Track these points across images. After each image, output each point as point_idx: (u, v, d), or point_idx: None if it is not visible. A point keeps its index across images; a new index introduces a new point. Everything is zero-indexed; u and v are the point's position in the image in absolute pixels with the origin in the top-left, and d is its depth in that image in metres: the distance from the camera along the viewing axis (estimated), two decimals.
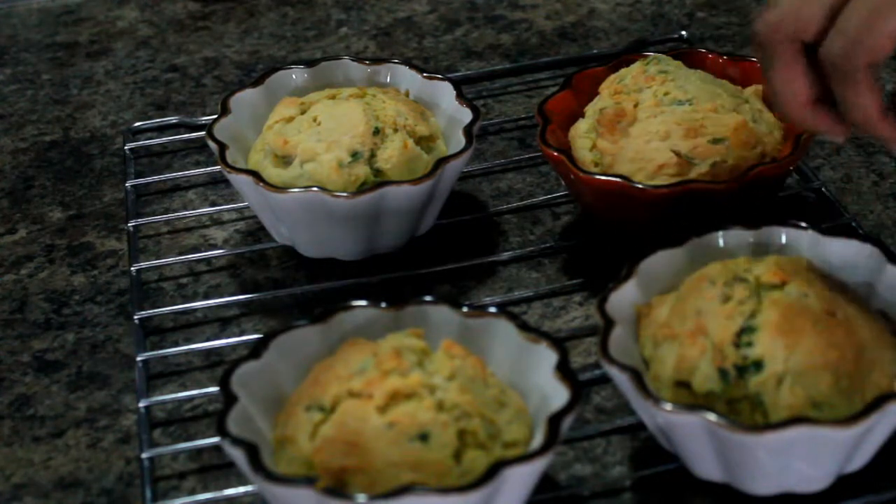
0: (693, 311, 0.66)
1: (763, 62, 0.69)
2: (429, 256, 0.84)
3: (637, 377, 0.64)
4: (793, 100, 0.68)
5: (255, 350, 0.67)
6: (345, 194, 0.77)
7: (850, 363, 0.63)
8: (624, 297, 0.69)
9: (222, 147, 0.82)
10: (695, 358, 0.65)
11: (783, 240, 0.72)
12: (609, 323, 0.67)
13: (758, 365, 0.64)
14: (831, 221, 0.83)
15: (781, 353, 0.63)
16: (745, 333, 0.65)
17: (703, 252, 0.72)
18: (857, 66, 0.64)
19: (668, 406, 0.62)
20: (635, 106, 0.82)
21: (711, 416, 0.61)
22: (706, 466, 0.65)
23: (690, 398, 0.64)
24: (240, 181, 0.80)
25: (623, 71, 0.85)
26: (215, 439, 0.71)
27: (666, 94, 0.81)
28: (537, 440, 0.62)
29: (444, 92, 0.87)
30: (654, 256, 0.71)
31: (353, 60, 0.90)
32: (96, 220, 0.91)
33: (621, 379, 0.64)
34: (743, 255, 0.71)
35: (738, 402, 0.64)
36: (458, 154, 0.81)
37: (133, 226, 0.89)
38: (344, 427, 0.62)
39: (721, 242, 0.72)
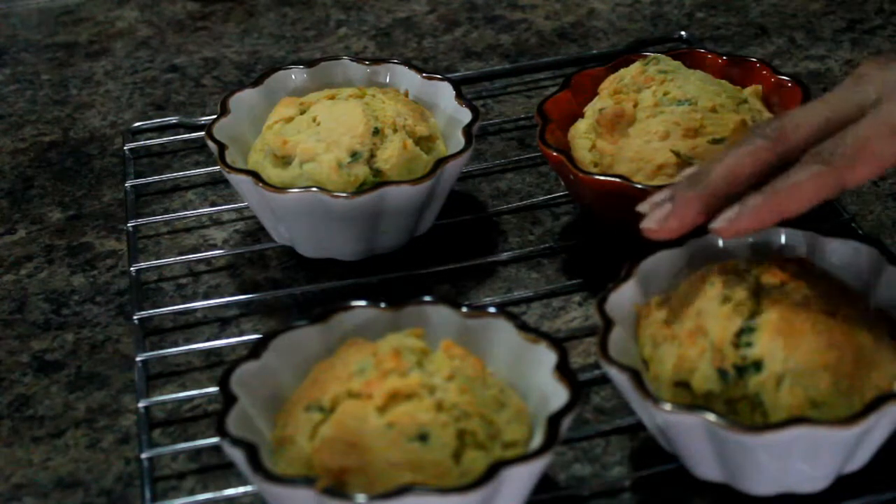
0: (693, 312, 0.66)
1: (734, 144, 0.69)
2: (428, 256, 0.84)
3: (636, 377, 0.64)
4: (728, 176, 0.67)
5: (255, 350, 0.67)
6: (344, 194, 0.77)
7: (849, 363, 0.63)
8: (623, 297, 0.69)
9: (222, 147, 0.82)
10: (694, 358, 0.65)
11: (783, 240, 0.72)
12: (608, 323, 0.67)
13: (757, 365, 0.64)
14: (831, 221, 0.83)
15: (781, 353, 0.63)
16: (744, 334, 0.65)
17: (703, 252, 0.72)
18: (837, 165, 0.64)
19: (668, 406, 0.62)
20: (635, 106, 0.82)
21: (711, 417, 0.61)
22: (706, 467, 0.65)
23: (690, 398, 0.64)
24: (239, 181, 0.80)
25: (622, 71, 0.85)
26: (215, 439, 0.71)
27: (665, 94, 0.81)
28: (537, 440, 0.62)
29: (444, 92, 0.87)
30: (654, 256, 0.71)
31: (352, 60, 0.90)
32: (96, 221, 0.91)
33: (620, 379, 0.64)
34: (742, 256, 0.71)
35: (738, 402, 0.64)
36: (457, 154, 0.81)
37: (133, 226, 0.89)
38: (343, 427, 0.62)
39: (721, 243, 0.72)
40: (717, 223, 0.65)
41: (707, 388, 0.64)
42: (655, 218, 0.67)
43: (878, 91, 0.66)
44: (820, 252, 0.71)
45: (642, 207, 0.68)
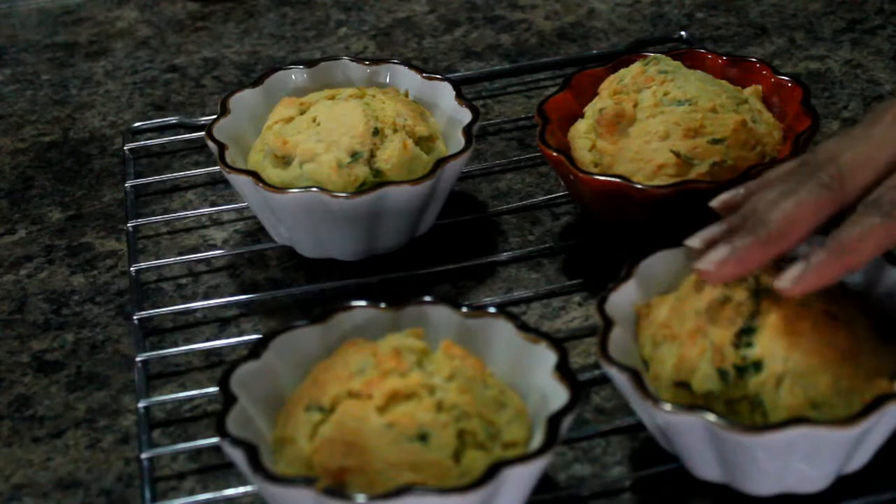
0: (693, 312, 0.66)
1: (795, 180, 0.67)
2: (428, 257, 0.84)
3: (636, 377, 0.64)
4: (790, 227, 0.66)
5: (255, 350, 0.67)
6: (344, 194, 0.77)
7: (849, 364, 0.63)
8: (623, 297, 0.69)
9: (222, 147, 0.82)
10: (694, 358, 0.65)
11: None
12: (608, 323, 0.67)
13: (757, 365, 0.64)
14: (831, 222, 0.83)
15: (781, 353, 0.63)
16: (744, 334, 0.65)
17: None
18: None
19: (668, 406, 0.62)
20: (635, 106, 0.82)
21: (711, 417, 0.61)
22: (706, 467, 0.65)
23: (690, 398, 0.64)
24: (239, 181, 0.80)
25: (622, 71, 0.85)
26: (215, 439, 0.71)
27: (665, 94, 0.81)
28: (537, 440, 0.62)
29: (444, 92, 0.87)
30: (654, 257, 0.71)
31: (352, 61, 0.90)
32: (96, 221, 0.91)
33: (621, 379, 0.64)
34: None
35: (738, 402, 0.64)
36: (457, 154, 0.81)
37: (132, 226, 0.89)
38: (343, 427, 0.62)
39: None
40: (784, 283, 0.64)
41: (707, 389, 0.64)
42: (713, 260, 0.65)
43: None
44: None
45: (693, 242, 0.67)
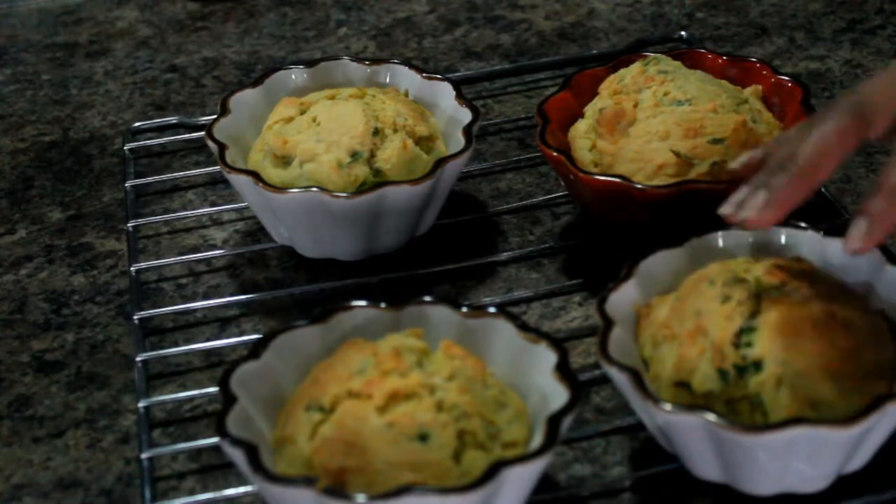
0: (693, 312, 0.66)
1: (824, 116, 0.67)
2: (428, 256, 0.84)
3: (636, 377, 0.64)
4: (827, 153, 0.65)
5: (255, 350, 0.67)
6: (344, 194, 0.77)
7: (849, 364, 0.63)
8: (623, 297, 0.69)
9: (222, 147, 0.82)
10: (694, 358, 0.65)
11: (783, 240, 0.72)
12: (608, 323, 0.67)
13: (757, 365, 0.64)
14: (831, 221, 0.83)
15: (781, 353, 0.63)
16: (744, 334, 0.65)
17: (703, 252, 0.72)
18: None
19: (668, 406, 0.62)
20: (635, 106, 0.82)
21: (711, 417, 0.61)
22: (706, 467, 0.65)
23: (690, 398, 0.64)
24: (239, 181, 0.80)
25: (623, 71, 0.85)
26: (215, 439, 0.71)
27: (665, 94, 0.81)
28: (537, 440, 0.62)
29: (444, 92, 0.87)
30: (654, 256, 0.71)
31: (352, 60, 0.90)
32: (96, 221, 0.91)
33: (621, 379, 0.64)
34: (742, 256, 0.71)
35: (738, 402, 0.64)
36: (457, 154, 0.81)
37: (132, 226, 0.89)
38: (343, 427, 0.62)
39: (721, 242, 0.72)
40: (854, 243, 0.64)
41: (707, 388, 0.64)
42: (754, 207, 0.65)
43: None
44: (820, 252, 0.71)
45: (726, 209, 0.66)
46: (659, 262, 0.71)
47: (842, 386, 0.63)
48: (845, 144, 0.65)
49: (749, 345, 0.64)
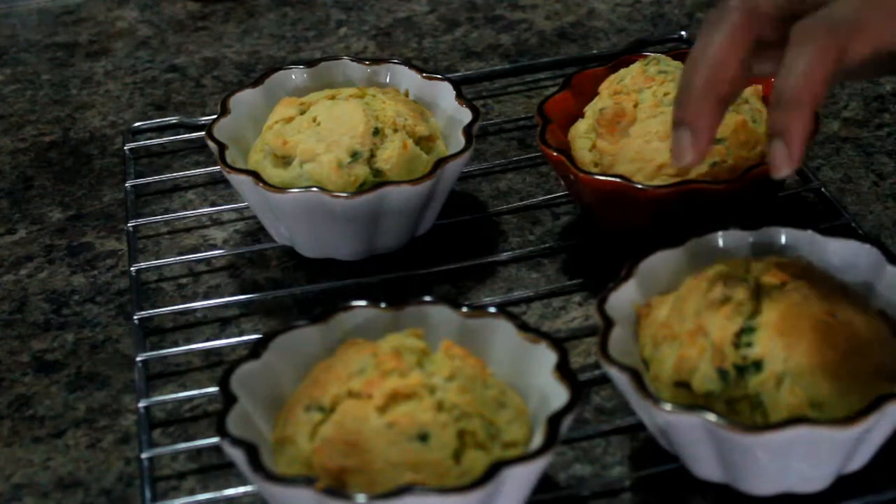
0: (693, 312, 0.66)
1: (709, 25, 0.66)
2: (429, 256, 0.84)
3: (636, 377, 0.64)
4: (714, 77, 0.64)
5: (255, 350, 0.67)
6: (344, 194, 0.77)
7: (849, 363, 0.63)
8: (624, 297, 0.69)
9: (222, 147, 0.82)
10: (694, 358, 0.65)
11: (783, 240, 0.72)
12: (609, 323, 0.67)
13: (757, 365, 0.64)
14: (831, 222, 0.83)
15: (781, 353, 0.63)
16: (744, 334, 0.65)
17: (703, 252, 0.72)
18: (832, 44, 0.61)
19: (668, 406, 0.62)
20: (635, 106, 0.82)
21: (711, 417, 0.61)
22: (706, 467, 0.65)
23: (690, 398, 0.64)
24: (239, 181, 0.80)
25: (623, 71, 0.85)
26: (215, 439, 0.71)
27: (666, 94, 0.81)
28: (537, 440, 0.62)
29: (444, 92, 0.87)
30: (654, 256, 0.71)
31: (352, 60, 0.90)
32: (96, 221, 0.91)
33: (621, 379, 0.64)
34: (743, 256, 0.71)
35: (738, 402, 0.64)
36: (457, 154, 0.81)
37: (133, 226, 0.89)
38: (343, 427, 0.62)
39: (721, 243, 0.72)
40: (780, 170, 0.62)
41: (707, 388, 0.64)
42: (677, 155, 0.65)
43: None
44: (820, 252, 0.71)
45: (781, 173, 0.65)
46: (659, 262, 0.71)
47: (842, 386, 0.63)
48: (737, 51, 0.64)
49: (749, 345, 0.64)
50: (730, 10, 0.65)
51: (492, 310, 0.69)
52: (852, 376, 0.63)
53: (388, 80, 0.90)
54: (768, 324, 0.64)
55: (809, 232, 0.72)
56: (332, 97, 0.84)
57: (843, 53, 0.62)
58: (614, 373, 0.64)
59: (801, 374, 0.63)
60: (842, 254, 0.71)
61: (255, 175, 0.79)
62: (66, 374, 0.78)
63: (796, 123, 0.62)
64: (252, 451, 0.61)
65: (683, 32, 1.06)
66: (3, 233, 0.91)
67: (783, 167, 0.62)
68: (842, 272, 0.70)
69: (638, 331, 0.69)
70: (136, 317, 0.81)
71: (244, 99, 0.87)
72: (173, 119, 1.01)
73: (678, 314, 0.67)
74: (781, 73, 0.62)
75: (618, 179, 0.78)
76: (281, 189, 0.78)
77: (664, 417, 0.63)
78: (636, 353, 0.68)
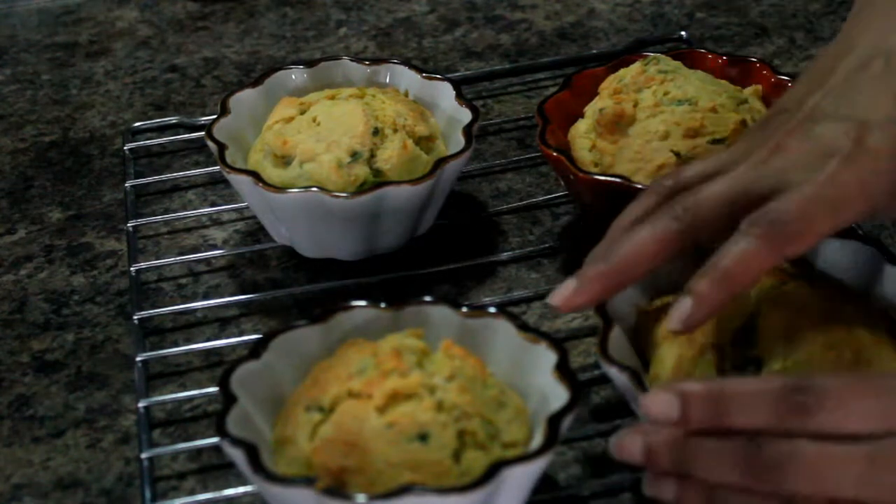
0: None
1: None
2: (428, 256, 0.84)
3: (636, 377, 0.64)
4: (634, 258, 0.66)
5: (255, 350, 0.67)
6: (344, 194, 0.77)
7: (849, 364, 0.63)
8: (624, 297, 0.69)
9: (221, 147, 0.82)
10: (694, 358, 0.65)
11: None
12: (608, 323, 0.67)
13: (757, 365, 0.64)
14: None
15: (780, 353, 0.63)
16: (744, 333, 0.65)
17: (704, 252, 0.71)
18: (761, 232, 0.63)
19: None
20: (635, 106, 0.82)
21: None
22: None
23: None
24: (239, 181, 0.80)
25: (623, 71, 0.85)
26: (215, 439, 0.71)
27: (665, 94, 0.81)
28: (537, 440, 0.62)
29: (444, 92, 0.87)
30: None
31: (352, 61, 0.90)
32: (96, 221, 0.91)
33: (620, 379, 0.64)
34: None
35: None
36: (457, 154, 0.81)
37: (132, 226, 0.89)
38: (343, 427, 0.62)
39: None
40: (674, 324, 0.63)
41: None
42: (560, 294, 0.66)
43: (793, 169, 0.65)
44: (820, 252, 0.71)
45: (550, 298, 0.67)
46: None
47: None
48: (663, 249, 0.66)
49: (749, 345, 0.64)
50: (667, 214, 0.66)
51: (492, 310, 0.69)
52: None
53: (387, 81, 0.90)
54: (767, 324, 0.64)
55: None
56: (332, 97, 0.84)
57: (781, 251, 0.63)
58: (614, 373, 0.64)
59: (801, 374, 0.63)
60: (842, 254, 0.71)
61: (255, 175, 0.79)
62: (65, 374, 0.78)
63: (712, 295, 0.62)
64: (252, 452, 0.61)
65: (683, 32, 1.06)
66: (3, 233, 0.91)
67: (679, 325, 0.63)
68: (842, 272, 0.70)
69: (638, 331, 0.69)
70: (135, 317, 0.81)
71: (244, 99, 0.87)
72: (173, 119, 1.01)
73: None
74: (720, 252, 0.63)
75: (618, 179, 0.78)
76: (281, 189, 0.78)
77: None
78: (636, 354, 0.68)
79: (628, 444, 0.60)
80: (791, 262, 0.68)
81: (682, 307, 0.63)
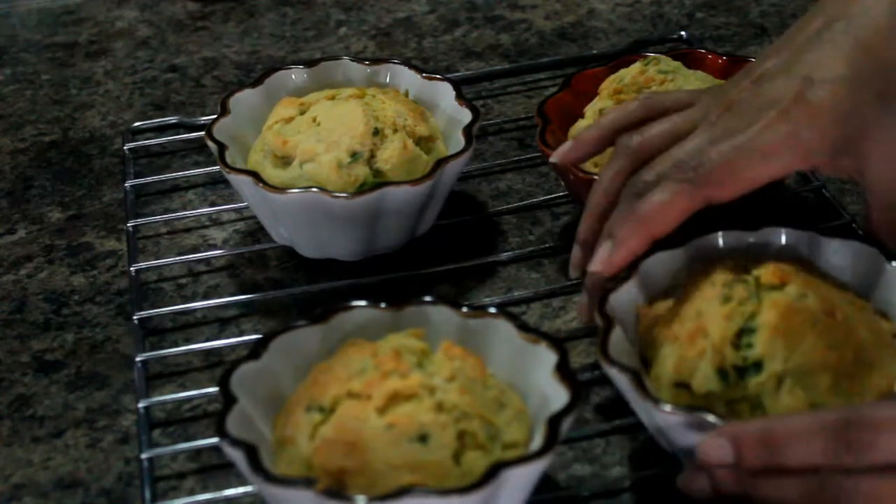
0: (693, 312, 0.66)
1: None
2: (428, 257, 0.84)
3: (636, 378, 0.64)
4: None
5: (255, 350, 0.67)
6: (344, 195, 0.77)
7: (849, 364, 0.63)
8: (624, 297, 0.69)
9: (221, 147, 0.82)
10: (694, 359, 0.65)
11: (783, 240, 0.72)
12: (609, 323, 0.67)
13: (757, 366, 0.64)
14: (831, 222, 0.83)
15: (781, 353, 0.63)
16: (744, 334, 0.65)
17: (703, 252, 0.72)
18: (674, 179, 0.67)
19: (668, 407, 0.62)
20: None
21: (710, 418, 0.61)
22: None
23: (690, 399, 0.64)
24: (239, 181, 0.80)
25: (622, 71, 0.85)
26: (215, 440, 0.70)
27: None
28: (537, 441, 0.62)
29: (444, 92, 0.87)
30: (654, 257, 0.71)
31: (352, 61, 0.90)
32: (96, 221, 0.91)
33: (621, 380, 0.64)
34: (743, 256, 0.71)
35: (738, 402, 0.64)
36: (457, 154, 0.81)
37: (132, 226, 0.89)
38: (343, 428, 0.62)
39: (721, 243, 0.72)
40: (595, 265, 0.67)
41: (707, 389, 0.64)
42: (600, 257, 0.69)
43: (739, 124, 0.68)
44: (820, 252, 0.71)
45: (574, 272, 0.73)
46: (659, 263, 0.71)
47: (842, 387, 0.63)
48: (619, 181, 0.70)
49: (749, 345, 0.64)
50: (618, 154, 0.72)
51: (492, 310, 0.69)
52: (852, 377, 0.63)
53: (387, 81, 0.90)
54: (768, 324, 0.64)
55: (810, 232, 0.72)
56: (332, 97, 0.84)
57: (707, 196, 0.67)
58: (614, 373, 0.64)
59: (802, 374, 0.63)
60: (842, 254, 0.71)
61: (255, 175, 0.79)
62: (65, 374, 0.78)
63: (633, 239, 0.67)
64: (252, 452, 0.61)
65: (683, 32, 1.06)
66: (3, 233, 0.91)
67: (598, 266, 0.68)
68: (842, 272, 0.70)
69: (638, 331, 0.69)
70: (135, 317, 0.81)
71: (244, 99, 0.87)
72: (173, 119, 1.01)
73: (678, 315, 0.67)
74: (643, 200, 0.67)
75: None
76: (281, 189, 0.78)
77: (664, 418, 0.63)
78: (636, 354, 0.68)
79: (695, 480, 0.62)
80: (791, 262, 0.68)
81: (604, 250, 0.67)
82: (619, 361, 0.64)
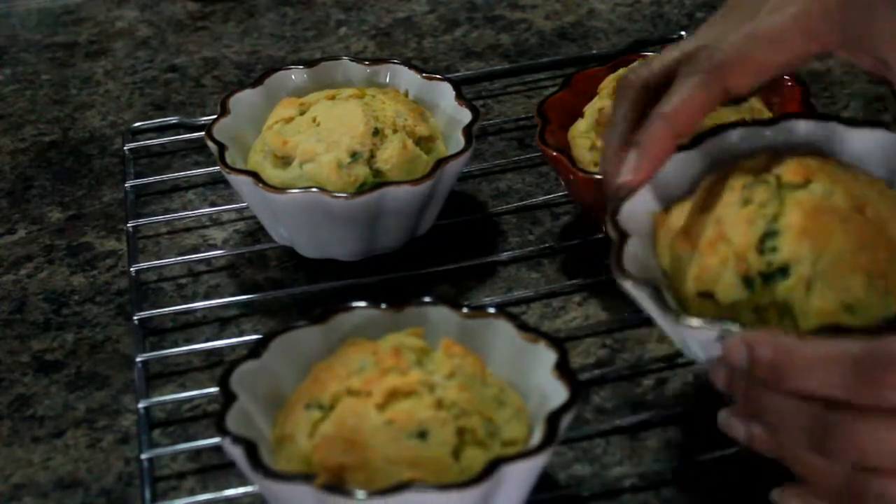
0: (712, 218, 0.63)
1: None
2: (428, 257, 0.84)
3: (655, 291, 0.60)
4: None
5: (255, 350, 0.67)
6: (344, 195, 0.77)
7: (882, 262, 0.60)
8: (638, 206, 0.65)
9: (221, 147, 0.82)
10: (716, 267, 0.61)
11: (802, 132, 0.68)
12: (622, 236, 0.63)
13: (784, 270, 0.60)
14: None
15: (808, 255, 0.60)
16: (768, 238, 0.61)
17: (719, 152, 0.68)
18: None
19: (693, 321, 0.59)
20: None
21: (734, 328, 0.58)
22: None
23: (715, 309, 0.61)
24: (239, 182, 0.80)
25: (622, 71, 0.85)
26: (215, 440, 0.71)
27: None
28: (536, 438, 0.62)
29: (444, 92, 0.87)
30: (669, 160, 0.66)
31: (352, 61, 0.90)
32: (96, 221, 0.91)
33: (640, 295, 0.61)
34: (761, 154, 0.66)
35: (766, 309, 0.60)
36: (457, 154, 0.81)
37: (132, 226, 0.89)
38: (343, 425, 0.62)
39: (737, 139, 0.68)
40: (626, 175, 0.65)
41: (732, 298, 0.61)
42: (628, 168, 0.66)
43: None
44: (843, 142, 0.67)
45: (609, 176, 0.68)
46: (673, 167, 0.67)
47: (876, 286, 0.59)
48: (706, 103, 0.67)
49: (774, 249, 0.61)
50: (626, 87, 0.70)
51: (491, 310, 0.69)
52: (886, 275, 0.60)
53: (387, 81, 0.90)
54: (793, 226, 0.61)
55: (831, 122, 0.67)
56: (332, 97, 0.84)
57: (723, 85, 0.65)
58: (631, 288, 0.61)
59: (832, 276, 0.59)
60: (865, 142, 0.66)
61: (255, 175, 0.79)
62: (65, 374, 0.78)
63: (657, 140, 0.65)
64: (251, 449, 0.61)
65: (683, 32, 1.06)
66: (3, 233, 0.91)
67: (629, 175, 0.65)
68: (866, 162, 0.66)
69: (655, 241, 0.65)
70: (135, 317, 0.81)
71: (244, 99, 0.87)
72: (173, 119, 1.01)
73: (696, 221, 0.63)
74: (661, 101, 0.66)
75: None
76: (281, 189, 0.78)
77: (688, 332, 0.60)
78: (655, 266, 0.64)
79: (717, 374, 0.59)
80: (813, 157, 0.65)
81: (630, 159, 0.65)
82: (635, 275, 0.61)
